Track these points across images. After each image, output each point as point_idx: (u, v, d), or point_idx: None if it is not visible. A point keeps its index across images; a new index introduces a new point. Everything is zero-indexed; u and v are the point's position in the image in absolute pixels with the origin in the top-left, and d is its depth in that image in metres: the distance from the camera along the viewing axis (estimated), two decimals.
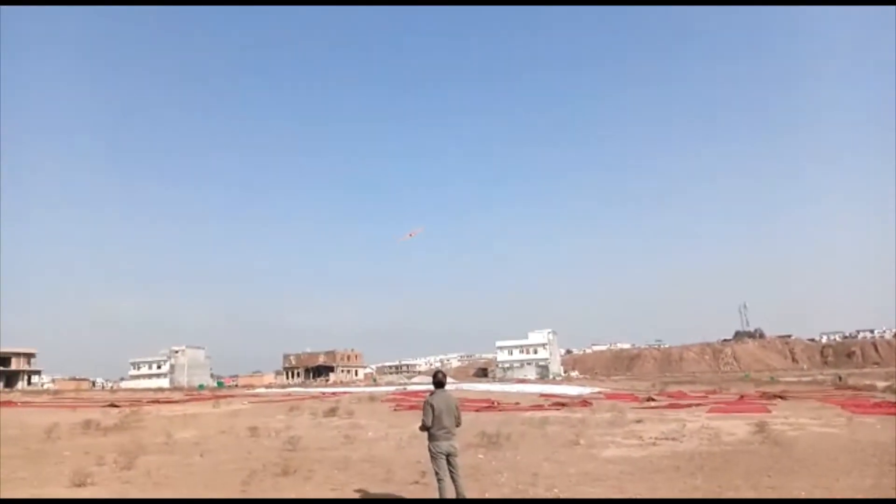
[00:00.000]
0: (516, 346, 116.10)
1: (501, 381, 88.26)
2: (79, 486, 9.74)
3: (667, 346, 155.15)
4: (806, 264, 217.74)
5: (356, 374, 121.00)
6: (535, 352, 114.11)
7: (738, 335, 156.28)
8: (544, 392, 39.77)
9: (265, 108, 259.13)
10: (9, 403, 35.89)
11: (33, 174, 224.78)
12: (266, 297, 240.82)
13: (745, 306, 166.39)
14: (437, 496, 7.49)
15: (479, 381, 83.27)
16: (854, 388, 36.06)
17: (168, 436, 17.15)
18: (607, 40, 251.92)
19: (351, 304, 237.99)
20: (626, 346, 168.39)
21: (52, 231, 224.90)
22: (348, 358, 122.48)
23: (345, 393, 46.18)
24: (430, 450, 7.56)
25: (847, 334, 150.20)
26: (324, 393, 49.05)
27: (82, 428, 18.79)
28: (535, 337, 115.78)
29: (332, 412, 24.02)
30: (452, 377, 78.74)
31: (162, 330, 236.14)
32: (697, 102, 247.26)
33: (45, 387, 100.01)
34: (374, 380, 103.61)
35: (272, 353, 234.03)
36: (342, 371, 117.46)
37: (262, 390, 66.00)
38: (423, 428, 7.60)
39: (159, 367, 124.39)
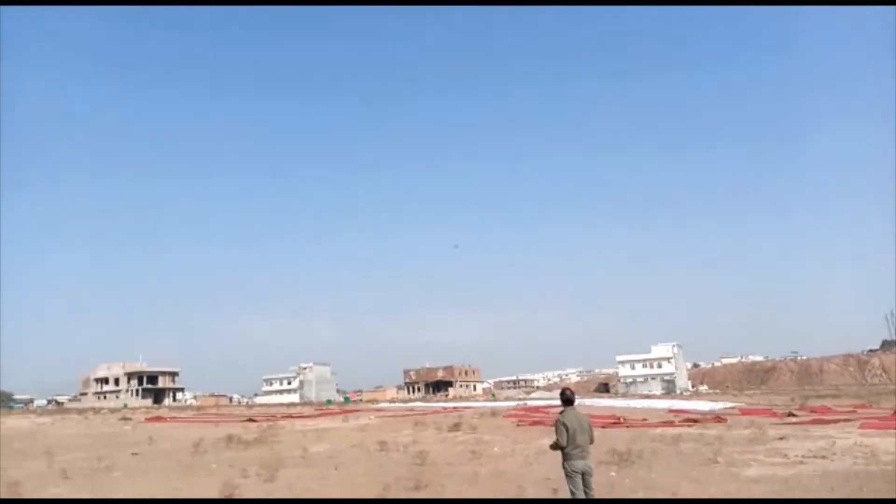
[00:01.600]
0: (639, 361, 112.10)
1: (624, 396, 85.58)
2: (227, 497, 10.40)
3: (804, 357, 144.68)
4: None
5: (474, 389, 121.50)
6: (660, 366, 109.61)
7: (886, 345, 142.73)
8: (673, 407, 38.16)
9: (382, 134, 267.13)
10: (159, 419, 39.00)
11: (171, 206, 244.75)
12: (385, 314, 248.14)
13: (892, 313, 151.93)
14: None
15: (601, 397, 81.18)
16: None
17: (304, 450, 18.00)
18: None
19: (467, 318, 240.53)
20: (759, 358, 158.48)
21: (192, 260, 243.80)
22: (466, 373, 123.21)
23: (466, 408, 46.44)
24: (564, 468, 7.47)
25: None
26: (445, 408, 49.59)
27: (225, 442, 20.07)
28: (659, 350, 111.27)
29: (455, 427, 24.22)
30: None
31: (292, 348, 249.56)
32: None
33: (189, 403, 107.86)
34: (493, 395, 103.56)
35: (392, 368, 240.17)
36: (461, 386, 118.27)
37: (386, 405, 67.75)
38: (557, 447, 7.52)
39: (289, 384, 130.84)
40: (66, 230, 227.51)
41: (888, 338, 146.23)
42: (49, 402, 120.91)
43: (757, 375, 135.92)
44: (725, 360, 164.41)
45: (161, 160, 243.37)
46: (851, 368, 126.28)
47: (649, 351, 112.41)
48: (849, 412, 29.01)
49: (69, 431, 28.81)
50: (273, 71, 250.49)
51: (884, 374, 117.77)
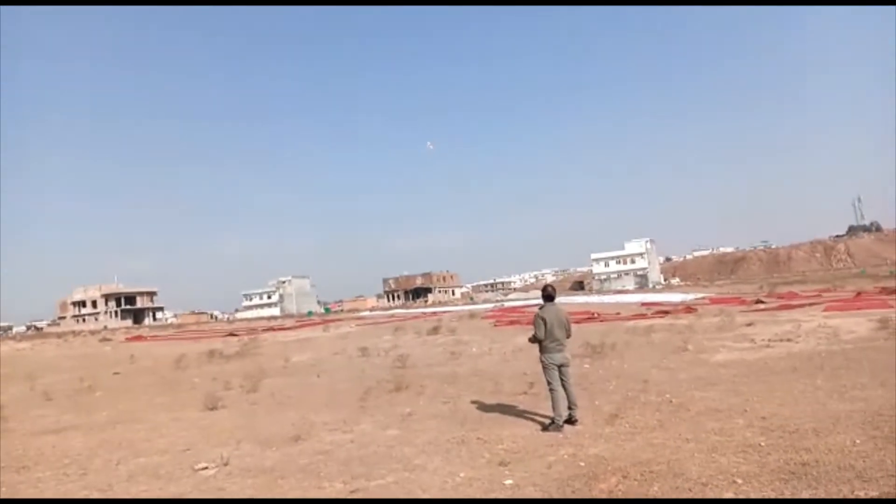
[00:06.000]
0: (612, 258, 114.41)
1: (599, 293, 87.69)
2: (212, 409, 10.50)
3: (774, 246, 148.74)
4: None
5: (453, 294, 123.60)
6: (633, 262, 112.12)
7: (852, 230, 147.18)
8: (645, 301, 39.23)
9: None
10: (139, 338, 39.17)
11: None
12: (362, 225, 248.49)
13: (859, 199, 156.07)
14: (545, 405, 7.58)
15: (576, 294, 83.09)
16: None
17: (286, 360, 18.26)
18: None
19: (444, 227, 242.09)
20: (730, 249, 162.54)
21: (165, 183, 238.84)
22: (444, 279, 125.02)
23: (445, 312, 47.33)
24: (542, 361, 7.64)
25: None
26: (424, 313, 50.47)
27: (207, 357, 20.22)
28: (632, 247, 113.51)
29: (435, 330, 24.66)
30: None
31: (270, 262, 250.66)
32: None
33: (169, 321, 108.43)
34: (471, 298, 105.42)
35: (371, 277, 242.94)
36: (439, 291, 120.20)
37: (367, 313, 68.78)
38: (534, 340, 7.68)
39: (269, 297, 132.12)
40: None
41: (854, 223, 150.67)
42: (28, 327, 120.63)
43: (727, 266, 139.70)
44: (697, 253, 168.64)
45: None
46: (818, 255, 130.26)
47: (622, 248, 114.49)
48: (814, 297, 30.04)
49: (49, 355, 28.86)
50: None
51: (849, 259, 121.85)
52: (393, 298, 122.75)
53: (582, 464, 5.87)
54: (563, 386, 7.55)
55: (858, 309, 20.22)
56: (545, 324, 7.53)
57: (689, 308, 27.86)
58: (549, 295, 7.93)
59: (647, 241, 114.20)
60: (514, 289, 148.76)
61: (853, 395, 7.95)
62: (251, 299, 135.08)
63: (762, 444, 6.02)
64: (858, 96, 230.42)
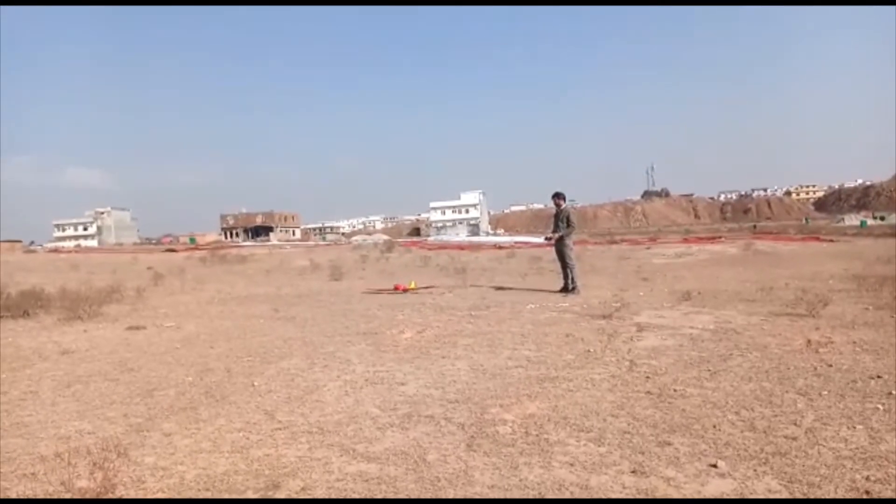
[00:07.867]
0: (449, 207, 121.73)
1: (437, 239, 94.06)
2: (337, 280, 14.04)
3: (581, 205, 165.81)
4: (705, 128, 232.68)
5: (293, 235, 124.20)
6: (467, 211, 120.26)
7: (647, 194, 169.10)
8: (512, 242, 45.47)
9: None
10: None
11: None
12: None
13: (652, 168, 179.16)
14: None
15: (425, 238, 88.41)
16: (768, 232, 44.01)
17: (310, 260, 21.25)
18: None
19: (277, 167, 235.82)
20: (541, 206, 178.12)
21: None
22: (286, 219, 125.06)
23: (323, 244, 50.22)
24: (573, 247, 11.18)
25: (743, 193, 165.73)
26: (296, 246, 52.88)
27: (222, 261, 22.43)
28: (467, 198, 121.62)
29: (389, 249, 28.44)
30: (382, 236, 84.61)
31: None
32: None
33: None
34: (324, 237, 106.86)
35: (197, 214, 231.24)
36: (281, 231, 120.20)
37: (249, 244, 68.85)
38: (565, 232, 11.17)
39: (85, 229, 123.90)
40: None
41: (648, 188, 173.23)
42: None
43: (542, 220, 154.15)
44: (514, 208, 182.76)
45: None
46: (619, 214, 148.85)
47: (458, 198, 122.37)
48: (651, 241, 37.70)
49: None
50: None
51: (644, 219, 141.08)
52: (231, 235, 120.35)
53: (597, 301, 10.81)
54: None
55: (710, 243, 27.24)
56: None
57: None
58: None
59: (480, 193, 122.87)
60: (343, 233, 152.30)
61: (745, 276, 13.30)
62: (64, 230, 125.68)
63: (711, 287, 11.32)
64: (656, 78, 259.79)
